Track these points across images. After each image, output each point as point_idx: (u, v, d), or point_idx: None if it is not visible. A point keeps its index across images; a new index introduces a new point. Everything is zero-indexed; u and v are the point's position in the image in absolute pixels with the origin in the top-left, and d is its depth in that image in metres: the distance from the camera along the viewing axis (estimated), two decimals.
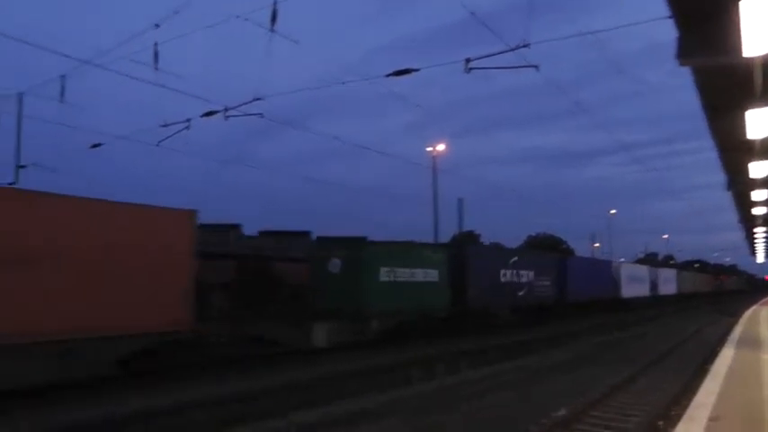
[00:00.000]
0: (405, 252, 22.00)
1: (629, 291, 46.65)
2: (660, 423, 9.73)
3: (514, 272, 29.28)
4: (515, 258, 30.20)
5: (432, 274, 22.65)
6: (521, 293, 29.89)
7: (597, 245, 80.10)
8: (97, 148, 20.91)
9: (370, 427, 9.54)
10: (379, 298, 19.89)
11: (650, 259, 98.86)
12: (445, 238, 39.13)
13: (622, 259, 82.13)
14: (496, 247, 27.87)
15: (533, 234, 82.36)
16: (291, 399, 11.33)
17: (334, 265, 19.88)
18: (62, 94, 16.60)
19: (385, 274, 20.48)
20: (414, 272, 21.66)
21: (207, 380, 13.25)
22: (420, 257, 22.39)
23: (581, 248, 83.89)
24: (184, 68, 15.72)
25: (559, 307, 34.60)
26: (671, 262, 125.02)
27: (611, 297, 42.66)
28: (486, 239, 64.91)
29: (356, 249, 20.14)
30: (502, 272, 28.13)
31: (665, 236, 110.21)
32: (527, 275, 30.57)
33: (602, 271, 42.91)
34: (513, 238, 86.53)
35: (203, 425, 9.68)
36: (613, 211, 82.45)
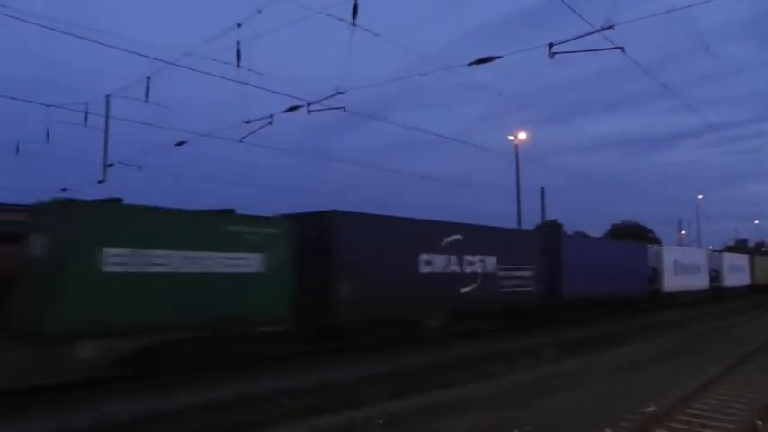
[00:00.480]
0: (177, 223, 13.06)
1: (674, 283, 38.02)
2: None
3: (452, 258, 19.92)
4: (456, 237, 20.27)
5: (248, 263, 13.94)
6: (466, 290, 20.51)
7: (684, 232, 76.83)
8: (182, 146, 21.88)
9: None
10: (95, 303, 11.43)
11: (740, 246, 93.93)
12: (529, 226, 38.60)
13: (711, 247, 78.41)
14: (407, 221, 18.31)
15: (618, 222, 79.88)
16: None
17: (37, 244, 12.23)
18: (147, 94, 17.45)
19: (116, 261, 11.74)
20: (200, 257, 13.01)
21: None
22: (216, 234, 13.52)
23: (668, 236, 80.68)
24: (266, 66, 16.13)
25: (551, 308, 25.12)
26: (762, 249, 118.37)
27: (644, 292, 34.08)
28: (569, 229, 63.41)
29: (59, 216, 11.92)
30: (423, 257, 18.83)
31: (757, 221, 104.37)
32: (481, 263, 21.17)
33: (632, 258, 33.29)
34: (597, 226, 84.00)
35: None
36: (701, 197, 79.02)
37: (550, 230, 36.52)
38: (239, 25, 14.35)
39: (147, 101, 17.64)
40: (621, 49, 11.91)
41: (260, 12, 13.53)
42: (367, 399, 10.65)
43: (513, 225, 34.29)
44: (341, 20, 12.19)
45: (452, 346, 17.93)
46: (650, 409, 9.90)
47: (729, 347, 17.87)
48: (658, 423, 9.19)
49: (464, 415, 9.71)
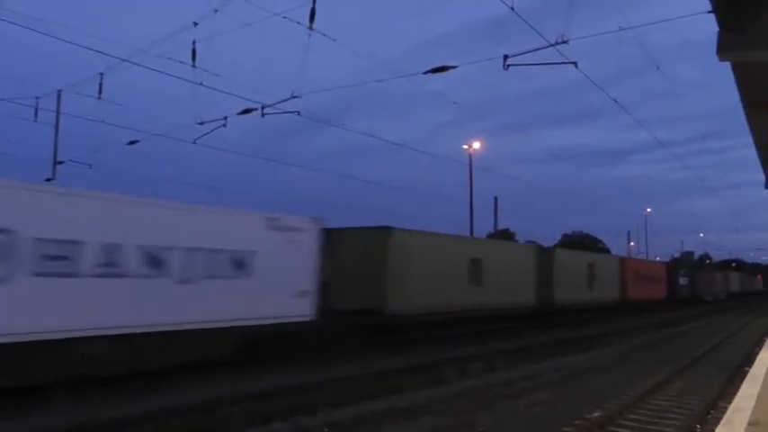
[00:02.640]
0: None
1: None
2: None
3: None
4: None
5: None
6: None
7: (633, 243, 78.95)
8: (134, 145, 21.43)
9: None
10: None
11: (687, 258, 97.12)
12: (481, 235, 39.03)
13: (657, 258, 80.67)
14: None
15: (569, 233, 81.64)
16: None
17: None
18: (100, 91, 17.03)
19: None
20: None
21: None
22: None
23: (617, 247, 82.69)
24: (222, 67, 15.98)
25: None
26: (707, 261, 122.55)
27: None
28: (521, 238, 64.45)
29: None
30: None
31: (702, 234, 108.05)
32: None
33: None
34: (548, 236, 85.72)
35: None
36: (649, 210, 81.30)
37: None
38: (195, 24, 14.15)
39: (99, 97, 17.23)
40: (575, 63, 12.19)
41: (216, 11, 13.38)
42: (316, 405, 10.57)
43: (466, 232, 34.63)
44: (298, 23, 12.16)
45: (398, 354, 17.85)
46: (595, 415, 10.16)
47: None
48: (602, 428, 9.43)
49: (415, 421, 9.74)
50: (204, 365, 13.76)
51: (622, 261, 40.15)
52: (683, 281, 52.94)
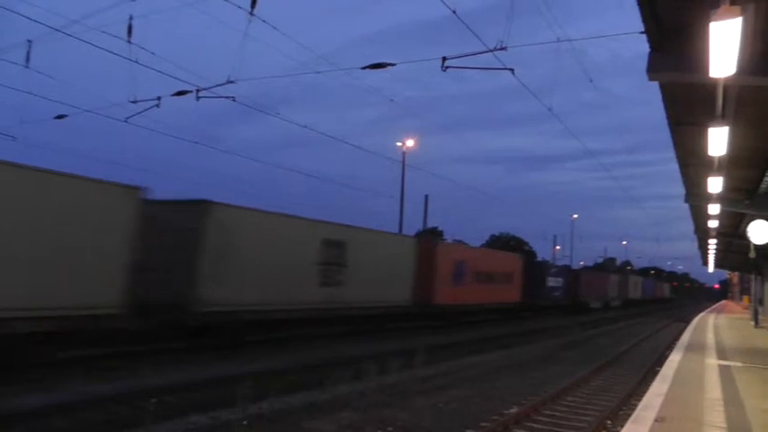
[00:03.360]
0: None
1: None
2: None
3: None
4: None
5: None
6: None
7: (558, 248, 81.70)
8: (62, 119, 20.48)
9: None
10: None
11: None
12: (410, 232, 39.41)
13: (582, 263, 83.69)
14: None
15: (496, 234, 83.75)
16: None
17: None
18: (28, 59, 16.19)
19: None
20: None
21: None
22: None
23: (544, 250, 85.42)
24: (158, 46, 15.48)
25: None
26: (628, 267, 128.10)
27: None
28: (449, 237, 65.56)
29: None
30: None
31: (624, 242, 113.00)
32: None
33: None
34: (476, 237, 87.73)
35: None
36: (576, 216, 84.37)
37: None
38: None
39: (27, 66, 16.35)
40: (511, 70, 12.47)
41: None
42: (233, 399, 10.46)
43: (395, 229, 34.96)
44: (239, 7, 11.94)
45: (318, 348, 17.79)
46: (512, 411, 10.51)
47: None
48: (518, 424, 9.78)
49: (334, 415, 9.79)
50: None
51: (425, 247, 26.29)
52: (553, 282, 43.41)
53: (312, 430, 8.94)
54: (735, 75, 6.19)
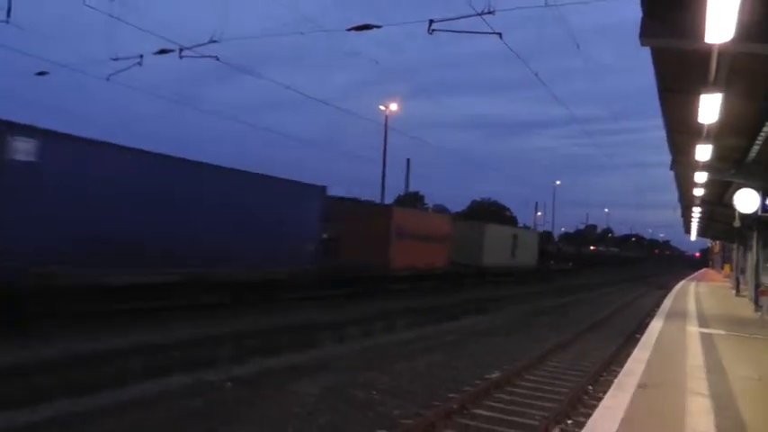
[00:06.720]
0: None
1: None
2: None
3: None
4: None
5: None
6: None
7: (540, 214, 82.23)
8: (43, 76, 20.00)
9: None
10: None
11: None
12: (391, 197, 39.40)
13: (563, 229, 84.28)
14: None
15: (478, 199, 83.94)
16: (223, 352, 11.17)
17: None
18: (9, 12, 15.71)
19: None
20: None
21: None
22: None
23: (525, 217, 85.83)
24: (140, 3, 15.05)
25: None
26: (609, 235, 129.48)
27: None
28: (430, 201, 65.69)
29: None
30: None
31: (606, 209, 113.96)
32: None
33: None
34: (458, 202, 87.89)
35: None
36: (558, 182, 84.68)
37: None
38: None
39: (8, 21, 15.85)
40: (499, 34, 12.29)
41: None
42: (216, 360, 10.47)
43: (377, 192, 35.05)
44: None
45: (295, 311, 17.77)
46: (493, 376, 10.59)
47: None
48: (499, 389, 9.85)
49: (315, 378, 9.82)
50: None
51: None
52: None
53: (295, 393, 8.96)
54: (731, 41, 6.06)
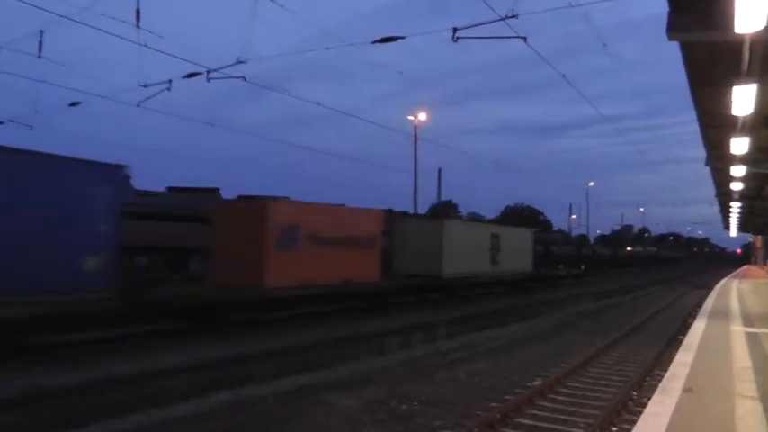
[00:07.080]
0: None
1: None
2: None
3: None
4: None
5: None
6: None
7: (574, 216, 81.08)
8: (76, 107, 20.49)
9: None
10: None
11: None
12: (423, 207, 39.35)
13: (598, 231, 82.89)
14: None
15: (511, 205, 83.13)
16: (266, 366, 11.20)
17: None
18: (40, 49, 16.22)
19: None
20: None
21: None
22: None
23: (560, 221, 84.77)
24: (167, 29, 15.35)
25: None
26: (645, 235, 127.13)
27: None
28: (464, 209, 65.39)
29: None
30: None
31: (642, 209, 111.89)
32: None
33: None
34: (491, 209, 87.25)
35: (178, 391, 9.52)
36: (591, 184, 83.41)
37: None
38: None
39: (39, 56, 16.37)
40: (524, 38, 12.19)
41: None
42: (254, 377, 10.50)
43: (409, 204, 34.93)
44: None
45: (333, 325, 17.72)
46: (536, 383, 10.41)
47: None
48: (542, 396, 9.68)
49: (358, 390, 9.77)
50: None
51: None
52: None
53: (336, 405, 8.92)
54: (764, 29, 5.91)
